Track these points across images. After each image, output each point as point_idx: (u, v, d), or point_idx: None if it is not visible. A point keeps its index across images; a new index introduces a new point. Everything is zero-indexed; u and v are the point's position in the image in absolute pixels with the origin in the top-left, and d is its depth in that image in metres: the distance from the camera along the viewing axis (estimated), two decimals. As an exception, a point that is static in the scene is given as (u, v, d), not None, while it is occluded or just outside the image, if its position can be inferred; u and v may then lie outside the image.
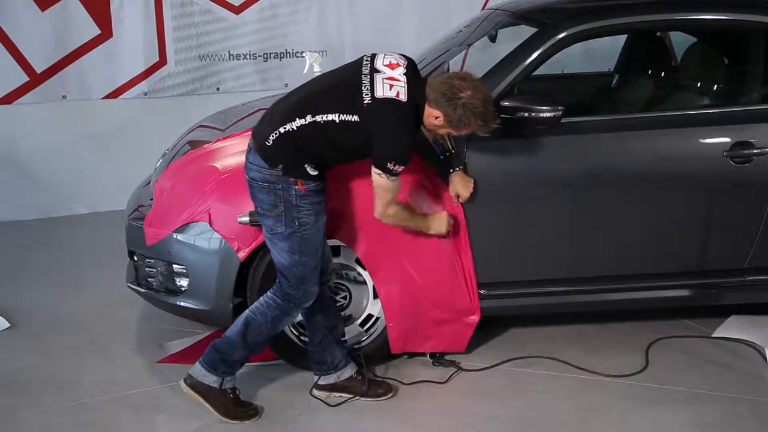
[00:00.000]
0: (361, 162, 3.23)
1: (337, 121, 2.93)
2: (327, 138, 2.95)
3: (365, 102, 2.91)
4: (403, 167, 2.93)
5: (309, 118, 2.94)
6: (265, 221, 3.05)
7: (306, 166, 2.96)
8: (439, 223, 3.24)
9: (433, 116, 2.97)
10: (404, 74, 2.96)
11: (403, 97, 2.92)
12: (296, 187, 2.96)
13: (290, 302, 3.08)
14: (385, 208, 3.05)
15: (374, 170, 2.96)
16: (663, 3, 3.75)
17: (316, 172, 2.98)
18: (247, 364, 3.48)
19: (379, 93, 2.91)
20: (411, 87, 2.95)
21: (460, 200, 3.31)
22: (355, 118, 2.92)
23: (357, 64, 3.03)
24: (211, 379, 3.11)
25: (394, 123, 2.92)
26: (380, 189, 3.00)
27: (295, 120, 2.95)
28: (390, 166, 2.91)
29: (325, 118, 2.93)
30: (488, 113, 2.97)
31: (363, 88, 2.93)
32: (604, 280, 3.56)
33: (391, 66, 2.98)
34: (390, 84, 2.93)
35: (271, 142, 2.97)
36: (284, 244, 3.02)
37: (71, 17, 5.45)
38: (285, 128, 2.96)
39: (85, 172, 5.67)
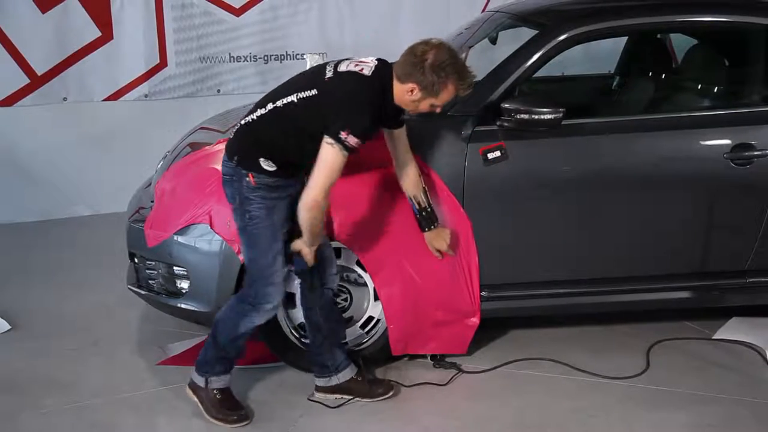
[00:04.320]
0: (361, 164, 3.23)
1: (296, 100, 2.90)
2: (283, 122, 2.90)
3: (327, 77, 2.90)
4: (356, 141, 2.79)
5: (270, 106, 2.94)
6: (233, 215, 3.07)
7: (260, 159, 2.91)
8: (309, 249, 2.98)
9: (407, 91, 2.87)
10: (373, 60, 2.95)
11: (366, 72, 2.89)
12: (247, 179, 2.93)
13: (245, 302, 3.05)
14: (321, 190, 2.82)
15: (325, 140, 2.81)
16: (663, 5, 3.75)
17: (272, 168, 2.91)
18: (249, 366, 3.50)
19: (342, 68, 2.91)
20: (377, 67, 2.91)
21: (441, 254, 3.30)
22: (314, 91, 2.89)
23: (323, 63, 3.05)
24: (198, 378, 3.15)
25: (354, 91, 2.86)
26: (325, 163, 2.81)
27: (256, 111, 2.97)
28: (343, 135, 2.77)
29: (284, 101, 2.92)
30: (460, 66, 2.86)
31: (327, 68, 2.94)
32: (604, 282, 3.57)
33: (361, 61, 2.96)
34: (355, 63, 2.92)
35: (232, 135, 3.01)
36: (242, 238, 3.03)
37: (72, 19, 5.46)
38: (246, 120, 2.99)
39: (85, 174, 5.67)
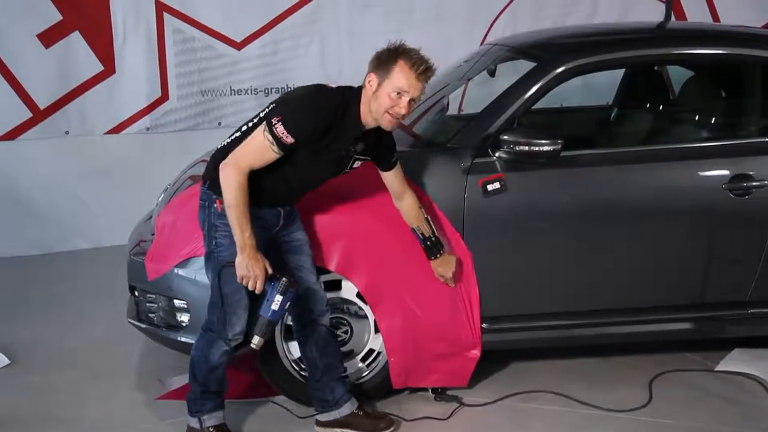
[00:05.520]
0: (363, 194, 3.24)
1: (263, 115, 2.94)
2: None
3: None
4: (283, 132, 2.78)
5: (243, 128, 2.97)
6: (203, 241, 3.06)
7: None
8: (246, 262, 2.82)
9: (367, 83, 2.89)
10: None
11: (332, 85, 2.95)
12: (215, 205, 2.93)
13: (209, 330, 3.04)
14: (233, 160, 2.82)
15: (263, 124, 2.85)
16: (660, 38, 3.79)
17: None
18: (248, 399, 3.48)
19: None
20: (347, 87, 2.96)
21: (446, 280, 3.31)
22: (278, 100, 2.95)
23: None
24: (192, 421, 3.13)
25: (308, 93, 2.92)
26: (249, 139, 2.85)
27: (233, 135, 2.99)
28: (274, 120, 2.80)
29: (255, 120, 2.95)
30: (408, 47, 2.89)
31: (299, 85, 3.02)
32: (606, 314, 3.56)
33: None
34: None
35: (209, 159, 3.02)
36: (207, 265, 3.03)
37: (75, 54, 5.50)
38: (221, 144, 3.01)
39: (87, 208, 5.68)
